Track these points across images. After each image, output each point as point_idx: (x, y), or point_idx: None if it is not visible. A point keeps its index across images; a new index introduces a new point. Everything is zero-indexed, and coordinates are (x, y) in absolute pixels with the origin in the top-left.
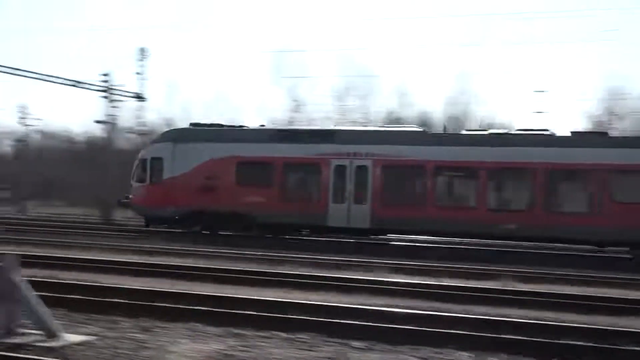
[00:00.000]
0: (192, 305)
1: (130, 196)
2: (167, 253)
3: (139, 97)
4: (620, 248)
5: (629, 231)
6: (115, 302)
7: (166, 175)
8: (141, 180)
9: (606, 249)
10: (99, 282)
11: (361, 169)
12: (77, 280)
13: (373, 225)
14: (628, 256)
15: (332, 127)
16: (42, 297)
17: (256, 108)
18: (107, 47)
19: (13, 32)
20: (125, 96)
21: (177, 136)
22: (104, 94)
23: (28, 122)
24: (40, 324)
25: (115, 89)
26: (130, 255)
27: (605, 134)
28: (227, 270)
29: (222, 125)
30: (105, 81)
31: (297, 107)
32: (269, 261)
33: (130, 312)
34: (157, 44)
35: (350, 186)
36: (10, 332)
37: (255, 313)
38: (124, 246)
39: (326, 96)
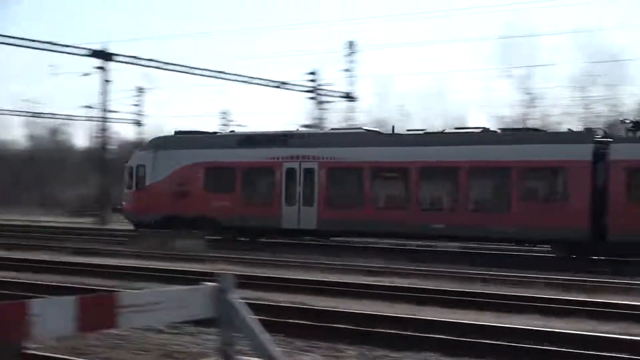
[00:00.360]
0: (421, 332)
1: (123, 202)
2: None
3: (349, 96)
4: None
5: (536, 230)
6: (336, 327)
7: (148, 181)
8: (129, 187)
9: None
10: (314, 305)
11: (309, 172)
12: (292, 302)
13: (319, 227)
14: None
15: (286, 131)
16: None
17: (481, 104)
18: (312, 44)
19: (210, 34)
20: (334, 96)
21: (159, 144)
22: (310, 94)
23: (230, 128)
24: (261, 351)
25: (322, 89)
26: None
27: (532, 130)
28: (426, 290)
29: (200, 133)
30: (312, 80)
31: (531, 101)
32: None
33: (354, 338)
34: (366, 38)
35: (299, 189)
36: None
37: (504, 343)
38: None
39: (564, 87)
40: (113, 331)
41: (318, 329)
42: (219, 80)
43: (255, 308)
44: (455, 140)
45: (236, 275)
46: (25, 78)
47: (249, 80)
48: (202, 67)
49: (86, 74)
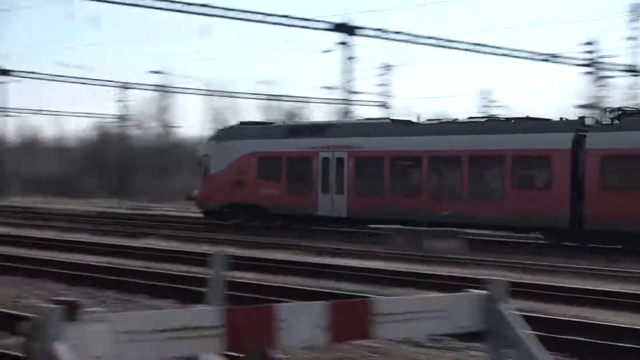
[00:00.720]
0: None
1: (195, 191)
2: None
3: (633, 70)
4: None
5: (526, 218)
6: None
7: (212, 170)
8: (202, 175)
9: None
10: (594, 319)
11: (340, 161)
12: (570, 314)
13: (350, 215)
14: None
15: (324, 121)
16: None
17: None
18: (589, 8)
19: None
20: (615, 70)
21: (222, 134)
22: (586, 68)
23: (492, 110)
24: None
25: (601, 62)
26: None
27: (519, 119)
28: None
29: (261, 123)
30: (589, 52)
31: None
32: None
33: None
34: None
35: (332, 177)
36: None
37: None
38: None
39: None
40: (364, 342)
41: (602, 347)
42: (477, 54)
43: (531, 321)
44: (459, 130)
45: (507, 282)
46: (262, 57)
47: (511, 53)
48: (456, 40)
49: (326, 51)
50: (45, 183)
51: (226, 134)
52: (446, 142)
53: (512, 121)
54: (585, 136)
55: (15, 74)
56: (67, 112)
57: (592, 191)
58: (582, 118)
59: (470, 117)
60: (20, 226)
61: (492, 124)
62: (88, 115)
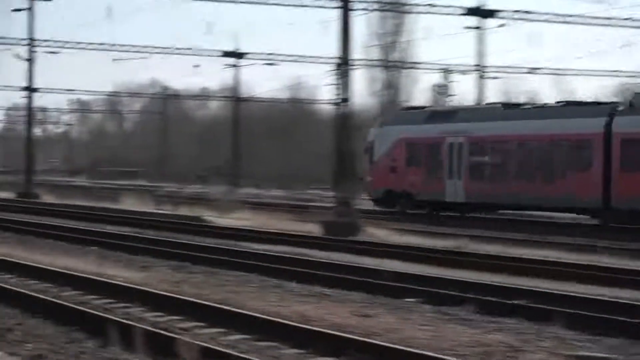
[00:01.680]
0: None
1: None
2: None
3: None
4: None
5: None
6: None
7: (375, 157)
8: (368, 161)
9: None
10: None
11: (460, 147)
12: None
13: (467, 199)
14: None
15: (452, 106)
16: None
17: None
18: None
19: None
20: None
21: (383, 120)
22: None
23: None
24: None
25: None
26: None
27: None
28: None
29: (420, 108)
30: None
31: None
32: None
33: None
34: None
35: (454, 163)
36: None
37: None
38: None
39: None
40: None
41: None
42: None
43: None
44: (533, 115)
45: None
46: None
47: None
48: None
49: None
50: None
51: (386, 120)
52: (528, 126)
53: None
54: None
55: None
56: None
57: (616, 173)
58: (608, 103)
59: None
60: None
61: (549, 109)
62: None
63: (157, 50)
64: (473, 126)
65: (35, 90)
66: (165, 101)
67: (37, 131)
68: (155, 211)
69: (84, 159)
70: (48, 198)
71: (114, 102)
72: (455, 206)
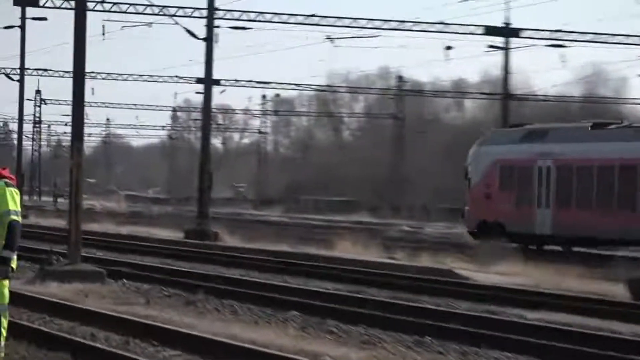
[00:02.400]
0: None
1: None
2: None
3: None
4: None
5: None
6: None
7: (472, 182)
8: (467, 187)
9: None
10: None
11: (547, 170)
12: None
13: (554, 232)
14: None
15: (546, 125)
16: None
17: None
18: None
19: None
20: None
21: (482, 139)
22: None
23: None
24: None
25: None
26: None
27: None
28: None
29: (516, 125)
30: None
31: None
32: None
33: None
34: None
35: (544, 188)
36: None
37: None
38: None
39: None
40: None
41: None
42: None
43: None
44: (622, 136)
45: None
46: None
47: None
48: None
49: None
50: None
51: (484, 139)
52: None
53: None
54: None
55: None
56: None
57: None
58: None
59: None
60: None
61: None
62: None
63: (388, 25)
64: (561, 148)
65: (215, 82)
66: (402, 99)
67: (216, 142)
68: (383, 261)
69: (281, 181)
70: (229, 240)
71: (325, 100)
72: (544, 239)
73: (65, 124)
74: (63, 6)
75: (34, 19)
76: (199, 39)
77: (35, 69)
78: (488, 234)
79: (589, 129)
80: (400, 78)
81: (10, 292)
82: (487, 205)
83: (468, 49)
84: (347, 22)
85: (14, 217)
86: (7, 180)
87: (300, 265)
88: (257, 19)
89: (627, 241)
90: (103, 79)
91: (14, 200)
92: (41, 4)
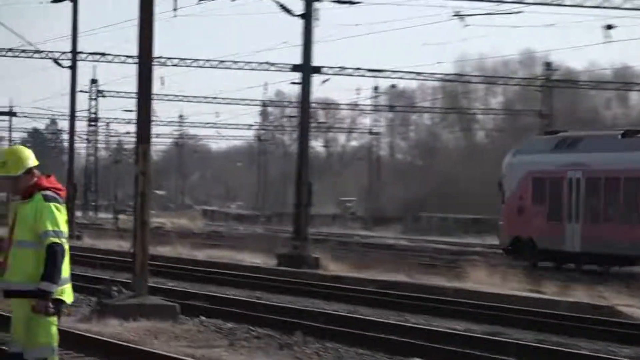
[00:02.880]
0: None
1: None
2: None
3: None
4: None
5: None
6: None
7: (506, 195)
8: (501, 200)
9: None
10: None
11: (578, 182)
12: None
13: (583, 249)
14: None
15: (574, 132)
16: None
17: None
18: None
19: None
20: None
21: (517, 149)
22: None
23: None
24: None
25: None
26: None
27: None
28: None
29: (552, 132)
30: None
31: None
32: None
33: None
34: None
35: (574, 202)
36: None
37: None
38: None
39: None
40: None
41: None
42: None
43: None
44: None
45: None
46: None
47: None
48: None
49: None
50: None
51: (520, 148)
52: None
53: None
54: None
55: None
56: None
57: None
58: None
59: None
60: None
61: None
62: None
63: None
64: (590, 158)
65: (315, 70)
66: (549, 91)
67: (317, 145)
68: (527, 295)
69: (398, 194)
70: (334, 267)
71: (453, 93)
72: (574, 257)
73: (128, 122)
74: None
75: None
76: (295, 15)
77: (90, 53)
78: (521, 251)
79: (619, 137)
80: (547, 65)
81: (61, 331)
82: (521, 221)
83: (634, 28)
84: None
85: (53, 239)
86: (47, 193)
87: (422, 300)
88: None
89: None
90: (174, 65)
91: (54, 218)
92: None
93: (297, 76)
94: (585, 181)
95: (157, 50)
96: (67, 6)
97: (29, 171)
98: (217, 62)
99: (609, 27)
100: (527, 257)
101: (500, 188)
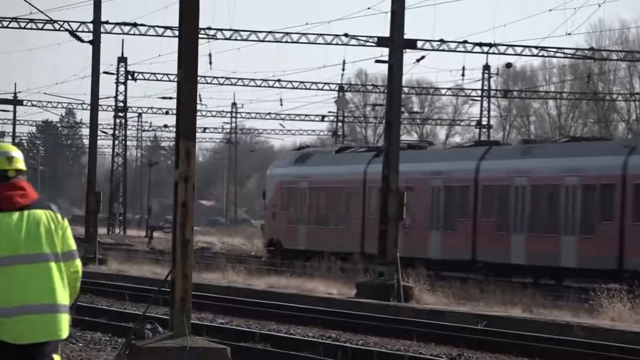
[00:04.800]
0: None
1: None
2: None
3: None
4: None
5: None
6: None
7: (267, 201)
8: None
9: None
10: None
11: (307, 191)
12: None
13: (307, 247)
14: None
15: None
16: None
17: None
18: None
19: None
20: None
21: (276, 161)
22: None
23: None
24: None
25: None
26: None
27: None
28: None
29: None
30: None
31: None
32: None
33: None
34: None
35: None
36: None
37: None
38: None
39: None
40: None
41: None
42: None
43: None
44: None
45: None
46: None
47: None
48: None
49: None
50: None
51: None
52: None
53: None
54: None
55: None
56: None
57: None
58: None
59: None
60: None
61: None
62: None
63: None
64: (313, 170)
65: (409, 44)
66: None
67: (410, 140)
68: None
69: None
70: (430, 299)
71: (587, 73)
72: (303, 253)
73: (166, 113)
74: None
75: None
76: None
77: (117, 24)
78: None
79: (334, 153)
80: None
81: None
82: (274, 224)
83: None
84: None
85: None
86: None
87: (542, 341)
88: None
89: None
90: (226, 39)
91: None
92: None
93: (384, 52)
94: (309, 190)
95: (204, 20)
96: None
97: None
98: (280, 35)
99: None
100: (277, 255)
101: (264, 196)
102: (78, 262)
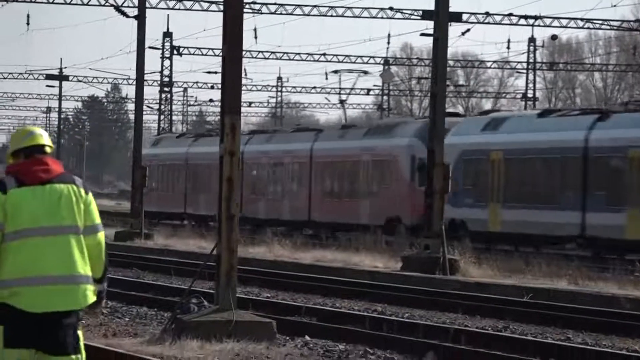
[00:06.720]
0: None
1: None
2: None
3: None
4: None
5: None
6: None
7: None
8: None
9: None
10: None
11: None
12: None
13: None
14: None
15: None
16: None
17: None
18: None
19: None
20: None
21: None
22: None
23: None
24: None
25: None
26: None
27: None
28: None
29: None
30: None
31: None
32: None
33: None
34: None
35: None
36: None
37: None
38: None
39: None
40: None
41: None
42: None
43: None
44: None
45: None
46: None
47: None
48: None
49: None
50: None
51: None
52: None
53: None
54: None
55: None
56: None
57: None
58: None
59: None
60: None
61: None
62: None
63: None
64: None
65: (454, 17)
66: None
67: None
68: None
69: None
70: (476, 272)
71: (632, 46)
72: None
73: (212, 87)
74: None
75: None
76: None
77: None
78: None
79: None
80: None
81: (124, 356)
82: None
83: None
84: None
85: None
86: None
87: (588, 314)
88: None
89: None
90: (271, 13)
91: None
92: None
93: (429, 25)
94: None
95: None
96: None
97: (15, 154)
98: (325, 9)
99: None
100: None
101: None
102: (101, 235)
